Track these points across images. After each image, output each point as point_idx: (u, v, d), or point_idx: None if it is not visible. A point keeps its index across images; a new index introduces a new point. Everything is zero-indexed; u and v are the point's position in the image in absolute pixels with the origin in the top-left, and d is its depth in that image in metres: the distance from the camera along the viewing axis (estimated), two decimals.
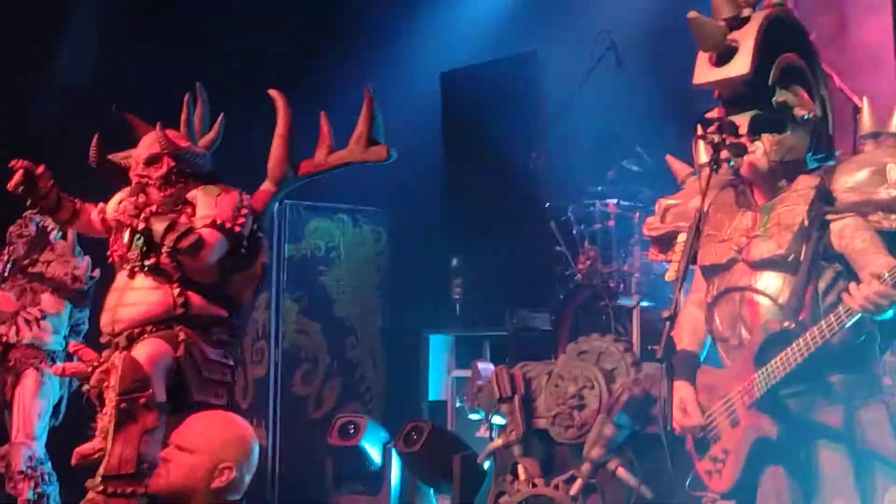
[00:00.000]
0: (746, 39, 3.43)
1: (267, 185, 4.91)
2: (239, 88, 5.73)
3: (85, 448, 4.56)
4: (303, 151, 4.92)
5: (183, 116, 4.87)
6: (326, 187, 7.99)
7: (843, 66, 6.81)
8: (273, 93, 4.85)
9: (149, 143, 4.81)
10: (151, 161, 4.78)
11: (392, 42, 8.52)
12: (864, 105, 3.68)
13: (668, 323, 3.30)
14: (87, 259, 6.08)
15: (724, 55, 3.45)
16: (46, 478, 5.99)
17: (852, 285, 3.19)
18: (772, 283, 3.42)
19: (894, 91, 6.20)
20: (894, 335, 3.60)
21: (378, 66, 8.25)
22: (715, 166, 3.42)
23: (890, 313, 3.18)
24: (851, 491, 3.30)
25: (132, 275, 4.71)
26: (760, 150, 3.45)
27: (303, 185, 7.59)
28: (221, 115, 5.00)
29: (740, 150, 3.44)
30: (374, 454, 7.08)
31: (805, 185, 3.46)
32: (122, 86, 7.51)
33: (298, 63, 8.18)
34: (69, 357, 5.68)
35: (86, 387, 4.66)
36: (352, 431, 7.08)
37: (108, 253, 4.87)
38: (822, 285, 3.38)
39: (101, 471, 4.41)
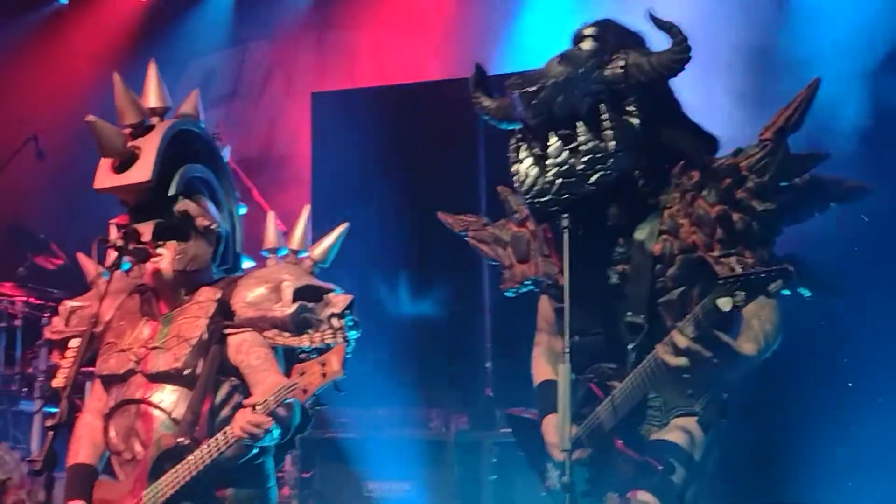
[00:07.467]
0: (149, 147, 3.42)
1: None
2: None
3: None
4: None
5: None
6: None
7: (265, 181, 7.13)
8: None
9: None
10: None
11: None
12: (269, 219, 3.79)
13: (51, 433, 3.12)
14: None
15: (127, 161, 3.42)
16: None
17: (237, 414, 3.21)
18: (168, 396, 3.38)
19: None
20: (290, 446, 3.67)
21: None
22: (117, 266, 3.33)
23: (269, 440, 3.24)
24: None
25: None
26: (167, 259, 3.42)
27: None
28: None
29: (143, 256, 3.42)
30: None
31: (206, 297, 3.48)
32: None
33: None
34: None
35: None
36: None
37: None
38: (217, 399, 3.37)
39: None
